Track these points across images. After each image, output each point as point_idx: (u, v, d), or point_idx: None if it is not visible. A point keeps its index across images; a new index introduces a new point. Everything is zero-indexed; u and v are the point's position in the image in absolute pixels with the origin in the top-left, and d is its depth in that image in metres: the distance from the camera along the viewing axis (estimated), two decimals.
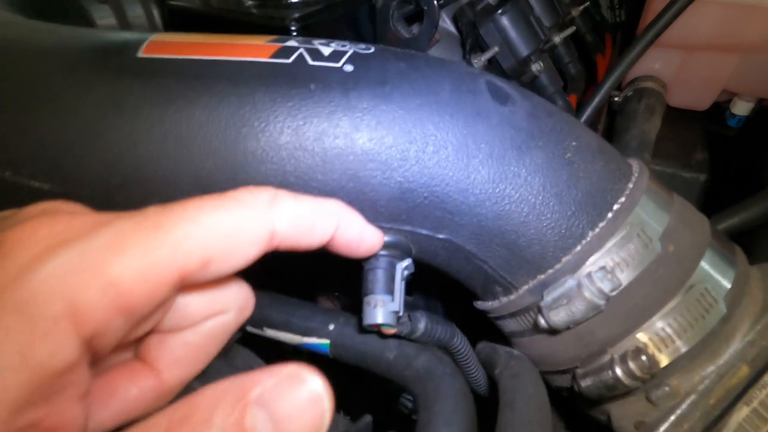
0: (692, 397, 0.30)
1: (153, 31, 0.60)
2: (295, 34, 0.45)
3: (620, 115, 0.73)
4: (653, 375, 0.29)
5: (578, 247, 0.30)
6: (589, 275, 0.29)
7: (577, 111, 0.65)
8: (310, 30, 0.46)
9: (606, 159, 0.32)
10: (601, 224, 0.30)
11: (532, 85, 0.70)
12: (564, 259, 0.31)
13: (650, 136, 0.64)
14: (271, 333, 0.41)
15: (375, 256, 0.31)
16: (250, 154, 0.28)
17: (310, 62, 0.30)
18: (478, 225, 0.31)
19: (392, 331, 0.33)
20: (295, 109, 0.29)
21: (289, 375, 0.18)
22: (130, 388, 0.23)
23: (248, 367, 0.44)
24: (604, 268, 0.29)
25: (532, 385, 0.31)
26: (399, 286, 0.32)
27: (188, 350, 0.24)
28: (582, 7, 0.82)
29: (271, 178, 0.29)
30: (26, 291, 0.16)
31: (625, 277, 0.30)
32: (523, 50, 0.62)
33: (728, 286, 0.31)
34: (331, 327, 0.39)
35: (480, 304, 0.37)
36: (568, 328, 0.30)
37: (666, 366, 0.30)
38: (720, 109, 0.79)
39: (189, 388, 0.26)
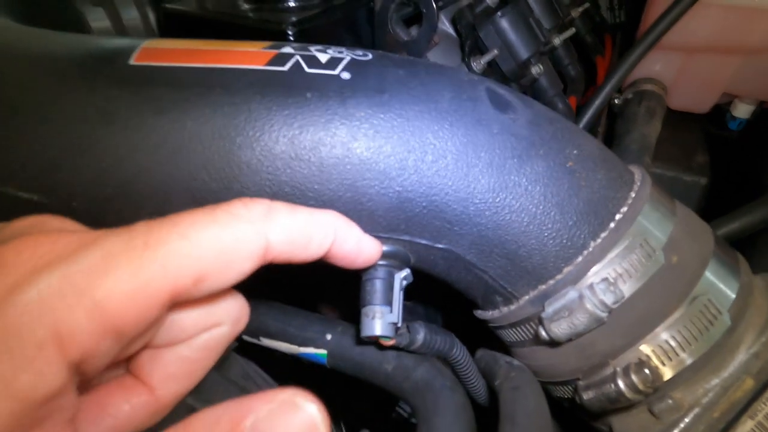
0: (696, 411, 0.30)
1: (149, 34, 0.60)
2: (292, 38, 0.44)
3: (620, 118, 0.72)
4: (656, 389, 0.28)
5: (580, 258, 0.30)
6: (591, 287, 0.28)
7: (577, 114, 0.65)
8: (307, 34, 0.46)
9: (608, 167, 0.32)
10: (603, 234, 0.30)
11: (532, 87, 0.69)
12: (565, 270, 0.30)
13: (651, 139, 0.64)
14: (267, 342, 0.41)
15: (373, 266, 0.31)
16: (244, 164, 0.28)
17: (307, 70, 0.29)
18: (478, 235, 0.30)
19: (390, 342, 0.33)
20: (291, 117, 0.28)
21: (284, 402, 0.18)
22: (122, 405, 0.23)
23: (245, 378, 0.43)
24: (606, 279, 0.29)
25: (533, 399, 0.30)
26: (397, 296, 0.31)
27: (182, 365, 0.24)
28: (582, 8, 0.81)
29: (266, 188, 0.28)
30: (8, 317, 0.16)
31: (627, 289, 0.29)
32: (523, 53, 0.61)
33: (732, 296, 0.30)
34: (329, 337, 0.38)
35: (480, 314, 0.36)
36: (569, 340, 0.30)
37: (669, 379, 0.29)
38: (721, 111, 0.78)
39: (183, 403, 0.26)
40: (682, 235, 0.31)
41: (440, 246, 0.31)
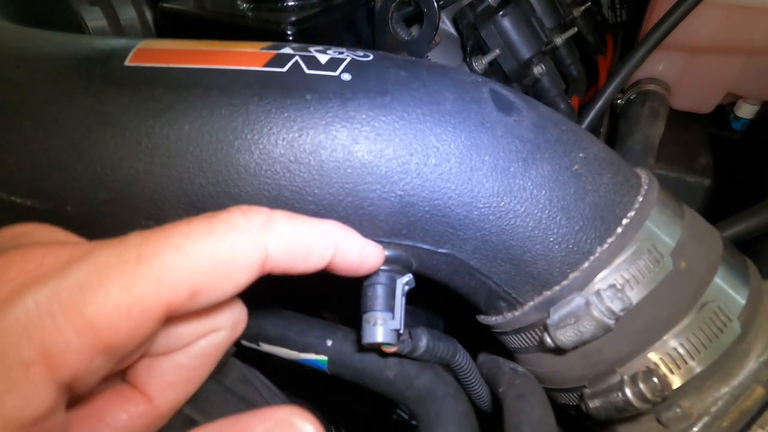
0: (705, 420, 0.29)
1: (146, 34, 0.59)
2: (291, 38, 0.44)
3: (623, 118, 0.71)
4: (665, 397, 0.28)
5: (586, 264, 0.29)
6: (598, 293, 0.28)
7: (580, 115, 0.64)
8: (306, 34, 0.45)
9: (614, 170, 0.31)
10: (610, 239, 0.29)
11: (534, 87, 0.69)
12: (571, 276, 0.29)
13: (654, 140, 0.63)
14: (267, 348, 0.40)
15: (375, 271, 0.30)
16: (242, 168, 0.27)
17: (306, 71, 0.28)
18: (481, 240, 0.30)
19: (392, 349, 0.32)
20: (290, 120, 0.27)
21: (281, 420, 0.17)
22: (120, 415, 0.22)
23: (243, 382, 0.42)
24: (613, 285, 0.28)
25: (539, 408, 0.30)
26: (399, 302, 0.31)
27: (180, 373, 0.23)
28: (583, 7, 0.81)
29: (265, 192, 0.28)
30: None
31: (635, 295, 0.28)
32: (525, 53, 0.61)
33: (742, 303, 0.30)
34: (329, 343, 0.37)
35: (483, 319, 0.36)
36: (575, 347, 0.29)
37: (678, 387, 0.28)
38: (724, 112, 0.78)
39: (180, 413, 0.25)
40: (691, 240, 0.30)
41: (443, 251, 0.31)
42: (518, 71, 0.62)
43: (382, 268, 0.30)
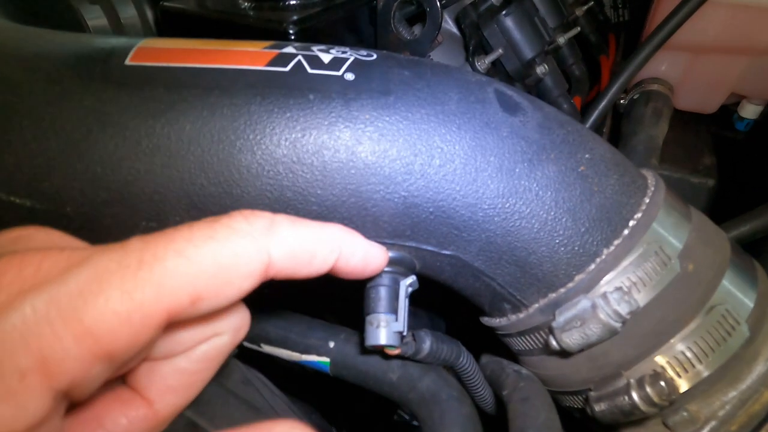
0: (712, 424, 0.29)
1: (147, 33, 0.59)
2: (293, 37, 0.43)
3: (626, 118, 0.71)
4: (672, 401, 0.27)
5: (592, 266, 0.29)
6: (604, 296, 0.27)
7: (582, 115, 0.64)
8: (308, 33, 0.45)
9: (621, 172, 0.31)
10: (617, 241, 0.29)
11: (537, 88, 0.68)
12: (577, 278, 0.29)
13: (658, 141, 0.63)
14: (268, 349, 0.40)
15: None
16: (245, 168, 0.27)
17: (309, 70, 0.28)
18: (486, 241, 0.29)
19: (396, 351, 0.32)
20: (292, 120, 0.27)
21: None
22: (120, 419, 0.22)
23: (245, 384, 0.42)
24: (620, 288, 0.28)
25: (544, 412, 0.29)
26: (403, 304, 0.30)
27: (181, 377, 0.23)
28: (586, 6, 0.80)
29: (267, 193, 0.27)
30: None
31: (642, 298, 0.28)
32: (528, 52, 0.60)
33: (751, 306, 0.29)
34: (332, 344, 0.37)
35: (487, 321, 0.35)
36: (581, 350, 0.29)
37: (685, 391, 0.28)
38: (728, 112, 0.77)
39: (182, 416, 0.25)
40: (698, 242, 0.30)
41: (447, 253, 0.30)
42: (521, 71, 0.61)
43: (386, 269, 0.30)
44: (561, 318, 0.29)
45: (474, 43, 0.60)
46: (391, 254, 0.30)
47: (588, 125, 0.60)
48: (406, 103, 0.28)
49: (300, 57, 0.29)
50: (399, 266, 0.31)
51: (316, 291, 0.53)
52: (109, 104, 0.26)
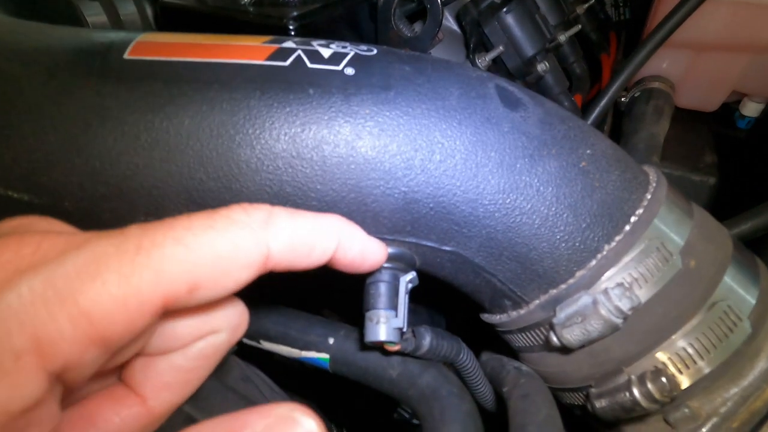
0: (714, 420, 0.28)
1: (146, 29, 0.58)
2: (293, 33, 0.43)
3: (627, 116, 0.71)
4: (673, 398, 0.27)
5: (593, 262, 0.29)
6: (605, 292, 0.27)
7: (583, 113, 0.63)
8: (308, 29, 0.45)
9: (622, 168, 0.31)
10: (618, 237, 0.29)
11: (537, 85, 0.68)
12: (578, 274, 0.29)
13: (659, 138, 0.62)
14: (268, 346, 0.40)
15: (378, 268, 0.30)
16: (244, 163, 0.26)
17: (309, 65, 0.28)
18: (487, 237, 0.29)
19: (395, 348, 0.31)
20: (292, 115, 0.27)
21: (282, 416, 0.17)
22: (112, 417, 0.21)
23: (244, 380, 0.42)
24: (621, 284, 0.27)
25: (544, 408, 0.29)
26: (403, 300, 0.30)
27: (177, 374, 0.23)
28: (587, 5, 0.80)
29: (266, 188, 0.27)
30: None
31: (643, 294, 0.28)
32: (529, 50, 0.60)
33: (753, 302, 0.29)
34: (331, 341, 0.37)
35: (487, 317, 0.35)
36: (582, 346, 0.29)
37: (687, 388, 0.28)
38: (729, 110, 0.77)
39: (180, 411, 0.25)
40: (700, 239, 0.30)
41: (447, 248, 0.30)
42: (522, 68, 0.61)
43: (385, 265, 0.30)
44: (562, 314, 0.29)
45: (475, 41, 0.60)
46: (391, 250, 0.30)
47: (589, 122, 0.60)
48: (407, 98, 0.28)
49: (300, 52, 0.29)
50: (399, 262, 0.31)
51: (316, 288, 0.53)
52: (107, 98, 0.26)
